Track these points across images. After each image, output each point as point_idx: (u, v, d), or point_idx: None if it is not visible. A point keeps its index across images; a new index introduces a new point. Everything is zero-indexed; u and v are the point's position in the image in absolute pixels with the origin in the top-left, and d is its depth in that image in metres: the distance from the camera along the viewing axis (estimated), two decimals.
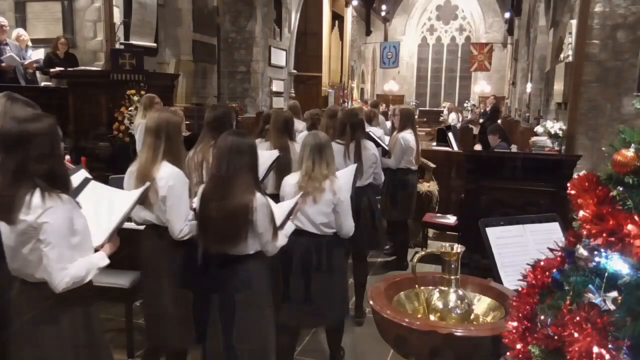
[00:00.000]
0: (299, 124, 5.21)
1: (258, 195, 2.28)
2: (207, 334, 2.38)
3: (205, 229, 2.35)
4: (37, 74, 6.62)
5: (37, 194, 1.73)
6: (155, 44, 8.22)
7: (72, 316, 1.87)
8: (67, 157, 5.08)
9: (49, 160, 1.76)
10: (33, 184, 1.73)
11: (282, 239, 2.44)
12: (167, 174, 2.44)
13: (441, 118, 18.01)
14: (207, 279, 2.40)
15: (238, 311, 2.30)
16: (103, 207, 2.16)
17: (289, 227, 2.56)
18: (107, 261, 1.97)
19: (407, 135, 4.82)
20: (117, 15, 6.98)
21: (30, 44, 6.60)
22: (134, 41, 7.45)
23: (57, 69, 6.22)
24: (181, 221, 2.44)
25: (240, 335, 2.30)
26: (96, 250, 1.98)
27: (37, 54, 6.46)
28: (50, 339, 1.84)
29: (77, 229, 1.81)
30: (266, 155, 3.19)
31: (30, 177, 1.73)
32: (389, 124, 7.37)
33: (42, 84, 6.71)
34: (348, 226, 2.84)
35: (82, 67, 6.48)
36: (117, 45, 6.78)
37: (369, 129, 4.90)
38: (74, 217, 1.80)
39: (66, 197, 1.79)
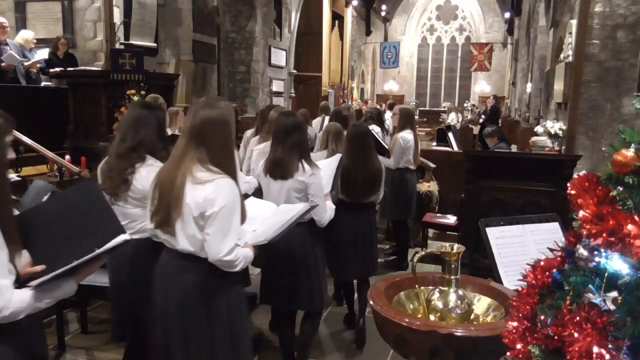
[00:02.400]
0: (310, 131, 5.34)
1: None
2: None
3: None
4: (40, 74, 6.62)
5: None
6: (155, 44, 8.22)
7: None
8: (67, 157, 5.09)
9: None
10: None
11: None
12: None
13: (441, 118, 18.02)
14: None
15: None
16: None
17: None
18: None
19: (407, 135, 4.82)
20: (117, 15, 6.98)
21: (33, 44, 6.61)
22: (134, 41, 7.46)
23: (57, 69, 6.23)
24: None
25: None
26: None
27: (41, 54, 6.46)
28: None
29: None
30: (327, 162, 3.14)
31: None
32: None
33: (43, 84, 6.71)
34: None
35: (82, 67, 6.49)
36: (117, 45, 6.78)
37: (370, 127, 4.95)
38: None
39: None
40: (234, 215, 1.93)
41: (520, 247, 2.15)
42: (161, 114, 2.57)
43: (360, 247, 3.42)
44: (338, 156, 3.16)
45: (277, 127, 2.78)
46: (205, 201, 1.89)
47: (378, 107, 10.09)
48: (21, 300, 1.48)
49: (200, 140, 1.94)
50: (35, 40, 6.60)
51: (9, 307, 1.45)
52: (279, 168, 2.71)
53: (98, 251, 1.59)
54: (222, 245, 1.89)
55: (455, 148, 7.37)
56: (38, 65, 6.38)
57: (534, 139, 6.68)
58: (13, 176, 3.98)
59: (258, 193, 2.90)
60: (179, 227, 1.94)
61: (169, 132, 5.13)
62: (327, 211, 2.80)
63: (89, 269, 1.66)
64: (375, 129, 5.22)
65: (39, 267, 1.54)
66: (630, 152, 1.11)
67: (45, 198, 2.13)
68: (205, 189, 1.90)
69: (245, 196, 2.23)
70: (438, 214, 5.61)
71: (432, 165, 5.99)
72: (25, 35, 6.49)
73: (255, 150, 3.60)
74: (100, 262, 1.73)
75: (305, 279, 2.79)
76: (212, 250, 1.91)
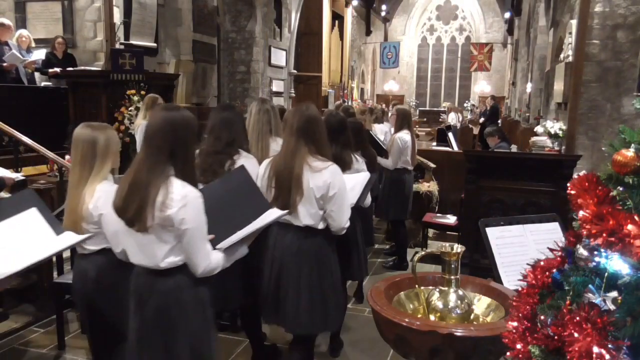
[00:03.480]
0: None
1: None
2: None
3: None
4: (36, 74, 6.62)
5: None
6: (155, 44, 8.22)
7: None
8: (67, 157, 5.09)
9: None
10: None
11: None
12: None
13: (441, 118, 18.02)
14: None
15: None
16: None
17: None
18: None
19: (404, 136, 4.83)
20: (117, 15, 6.98)
21: (33, 44, 6.61)
22: (134, 41, 7.45)
23: (55, 69, 6.23)
24: None
25: None
26: None
27: (38, 54, 6.46)
28: None
29: None
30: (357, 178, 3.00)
31: None
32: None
33: (42, 84, 6.71)
34: None
35: (82, 67, 6.49)
36: (117, 45, 6.78)
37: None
38: None
39: None
40: (346, 193, 2.53)
41: (520, 247, 2.15)
42: (241, 113, 2.97)
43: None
44: (367, 175, 3.00)
45: (327, 127, 2.77)
46: (325, 185, 2.42)
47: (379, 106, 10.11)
48: (218, 260, 1.94)
49: (309, 136, 2.46)
50: (30, 40, 6.58)
51: (214, 266, 1.93)
52: (340, 165, 2.72)
53: (262, 224, 2.07)
54: (344, 217, 2.51)
55: (455, 148, 7.37)
56: (34, 65, 6.38)
57: (534, 139, 6.68)
58: (19, 175, 3.99)
59: None
60: (301, 207, 2.44)
61: None
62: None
63: (252, 237, 2.09)
64: (384, 128, 5.26)
65: (210, 236, 1.94)
66: (630, 152, 1.11)
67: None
68: (323, 175, 2.42)
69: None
70: (438, 214, 5.61)
71: (432, 165, 5.99)
72: (17, 34, 6.49)
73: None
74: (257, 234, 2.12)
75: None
76: (337, 222, 2.49)
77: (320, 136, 2.51)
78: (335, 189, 2.43)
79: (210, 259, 1.91)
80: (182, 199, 1.82)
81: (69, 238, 2.13)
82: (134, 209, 1.83)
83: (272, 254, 2.57)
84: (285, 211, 2.30)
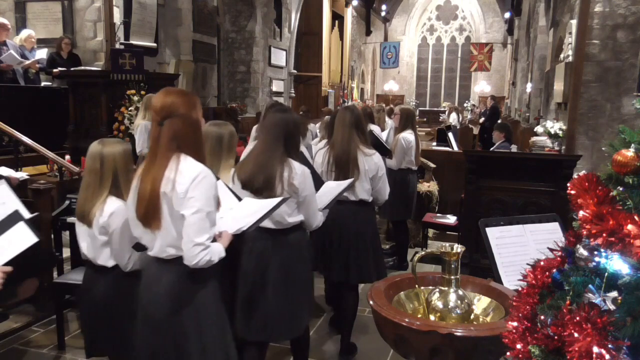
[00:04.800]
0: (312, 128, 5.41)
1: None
2: None
3: None
4: (41, 74, 6.62)
5: None
6: (155, 44, 8.22)
7: None
8: (67, 157, 5.09)
9: None
10: None
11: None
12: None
13: (441, 118, 18.01)
14: None
15: None
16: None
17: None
18: None
19: (408, 136, 4.80)
20: (117, 15, 6.98)
21: (36, 45, 6.61)
22: (134, 41, 7.46)
23: (60, 69, 6.23)
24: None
25: None
26: None
27: (40, 54, 6.46)
28: None
29: None
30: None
31: None
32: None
33: (43, 84, 6.71)
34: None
35: (82, 67, 6.49)
36: (117, 45, 6.78)
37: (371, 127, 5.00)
38: None
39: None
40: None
41: (520, 247, 2.15)
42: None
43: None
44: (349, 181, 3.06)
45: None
46: (376, 166, 3.14)
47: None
48: (321, 217, 2.62)
49: (359, 129, 3.16)
50: (35, 40, 6.59)
51: (320, 220, 2.61)
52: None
53: (340, 189, 2.76)
54: (387, 193, 3.27)
55: (455, 148, 7.36)
56: (37, 65, 6.37)
57: (534, 139, 6.68)
58: (24, 174, 4.00)
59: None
60: (357, 183, 3.08)
61: None
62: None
63: (334, 202, 2.74)
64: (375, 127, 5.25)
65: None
66: (630, 152, 1.11)
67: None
68: (373, 159, 3.14)
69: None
70: (438, 214, 5.60)
71: (432, 165, 5.99)
72: (25, 35, 6.49)
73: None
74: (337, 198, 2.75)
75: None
76: (382, 196, 3.24)
77: (365, 129, 3.28)
78: (383, 170, 3.19)
79: (318, 216, 2.59)
80: (302, 173, 2.44)
81: None
82: (261, 182, 2.41)
83: (333, 224, 3.04)
84: (351, 179, 2.98)
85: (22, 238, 2.02)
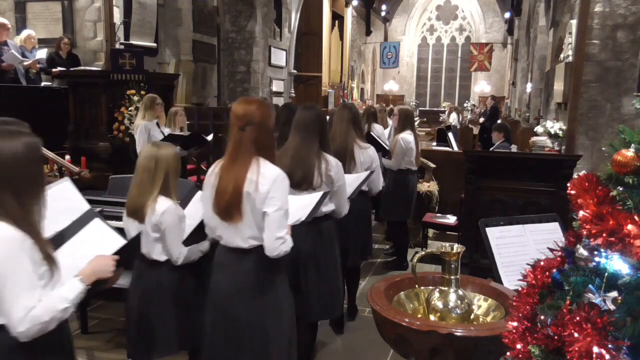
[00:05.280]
0: None
1: None
2: None
3: None
4: (41, 74, 6.62)
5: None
6: (155, 44, 8.22)
7: None
8: (67, 157, 5.09)
9: None
10: None
11: None
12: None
13: (441, 118, 17.99)
14: None
15: None
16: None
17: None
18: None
19: (407, 136, 4.79)
20: (117, 15, 6.98)
21: (37, 45, 6.61)
22: (134, 41, 7.46)
23: (59, 69, 6.23)
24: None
25: None
26: None
27: (40, 54, 6.46)
28: None
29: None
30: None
31: None
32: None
33: (43, 84, 6.71)
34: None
35: (82, 67, 6.49)
36: (117, 45, 6.78)
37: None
38: None
39: None
40: None
41: (520, 247, 2.15)
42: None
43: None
44: (366, 174, 3.34)
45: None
46: (370, 159, 3.47)
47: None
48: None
49: (356, 125, 3.50)
50: (35, 40, 6.59)
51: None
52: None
53: (361, 179, 3.18)
54: (381, 182, 3.67)
55: (455, 148, 7.36)
56: (38, 65, 6.37)
57: (534, 139, 6.68)
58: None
59: None
60: (353, 172, 3.34)
61: (169, 131, 5.15)
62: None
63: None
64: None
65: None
66: (630, 152, 1.11)
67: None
68: (368, 152, 3.48)
69: None
70: (438, 214, 5.60)
71: (432, 165, 5.99)
72: (25, 35, 6.49)
73: None
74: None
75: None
76: (376, 185, 3.55)
77: (361, 125, 3.61)
78: (377, 162, 3.51)
79: (347, 205, 2.90)
80: (336, 165, 2.77)
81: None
82: (300, 176, 2.67)
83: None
84: (368, 172, 3.31)
85: (104, 232, 2.01)
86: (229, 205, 2.03)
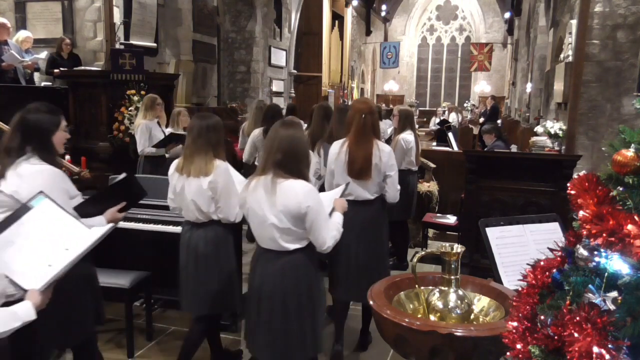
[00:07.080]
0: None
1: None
2: None
3: None
4: (36, 74, 6.61)
5: None
6: (155, 44, 8.22)
7: None
8: (67, 157, 5.08)
9: None
10: None
11: None
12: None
13: (438, 112, 17.93)
14: None
15: None
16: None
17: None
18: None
19: (407, 136, 4.79)
20: (117, 15, 6.97)
21: (31, 46, 6.59)
22: (134, 41, 7.45)
23: (60, 69, 6.22)
24: None
25: None
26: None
27: (40, 55, 6.45)
28: None
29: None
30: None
31: None
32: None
33: (43, 84, 6.70)
34: None
35: (82, 67, 6.48)
36: (117, 45, 6.78)
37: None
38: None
39: None
40: None
41: (520, 247, 2.15)
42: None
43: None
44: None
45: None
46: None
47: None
48: None
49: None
50: (32, 41, 6.57)
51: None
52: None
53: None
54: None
55: (455, 148, 7.37)
56: (34, 66, 6.37)
57: (534, 139, 6.68)
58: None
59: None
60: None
61: (170, 130, 5.15)
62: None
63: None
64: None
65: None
66: (630, 152, 1.11)
67: None
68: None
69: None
70: (438, 214, 5.60)
71: (432, 165, 5.99)
72: (22, 36, 6.48)
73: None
74: None
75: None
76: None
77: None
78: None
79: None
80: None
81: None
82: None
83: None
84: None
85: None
86: (361, 168, 3.07)
